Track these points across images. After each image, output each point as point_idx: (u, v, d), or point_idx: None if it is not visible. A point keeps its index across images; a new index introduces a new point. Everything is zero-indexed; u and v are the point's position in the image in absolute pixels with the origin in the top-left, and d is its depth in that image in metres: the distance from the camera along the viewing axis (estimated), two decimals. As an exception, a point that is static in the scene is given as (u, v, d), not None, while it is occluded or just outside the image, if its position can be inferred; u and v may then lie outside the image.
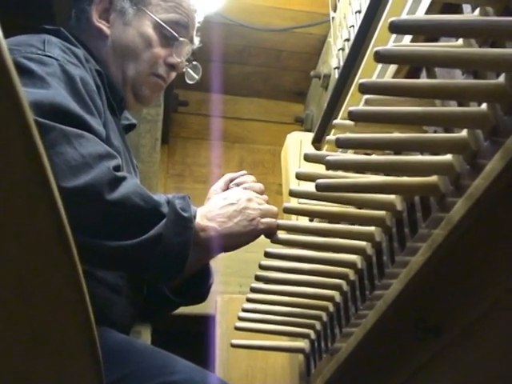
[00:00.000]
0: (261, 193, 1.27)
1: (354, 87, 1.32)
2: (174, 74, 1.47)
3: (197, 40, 1.50)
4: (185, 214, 1.09)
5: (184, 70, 1.50)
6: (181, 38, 1.42)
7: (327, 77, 2.19)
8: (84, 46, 1.36)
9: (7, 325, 0.56)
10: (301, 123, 2.78)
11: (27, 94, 1.05)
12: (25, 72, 1.11)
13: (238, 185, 1.29)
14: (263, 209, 1.18)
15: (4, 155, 0.41)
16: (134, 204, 1.06)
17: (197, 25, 1.49)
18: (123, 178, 1.07)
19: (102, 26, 1.41)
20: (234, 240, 1.16)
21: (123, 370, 1.09)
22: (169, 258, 1.07)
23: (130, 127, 1.52)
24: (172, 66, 1.44)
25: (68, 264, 0.50)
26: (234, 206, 1.17)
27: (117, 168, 1.08)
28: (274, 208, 1.20)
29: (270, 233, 1.16)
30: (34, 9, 2.31)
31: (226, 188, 1.31)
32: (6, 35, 0.42)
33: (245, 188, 1.27)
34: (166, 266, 1.08)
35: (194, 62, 1.51)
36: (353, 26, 1.55)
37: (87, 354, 0.63)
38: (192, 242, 1.09)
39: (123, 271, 1.23)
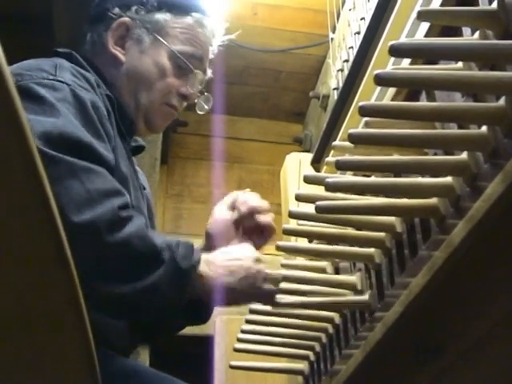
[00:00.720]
0: (266, 210, 1.28)
1: (353, 108, 1.32)
2: (185, 104, 1.48)
3: (209, 72, 1.51)
4: (183, 266, 1.08)
5: (195, 100, 1.50)
6: (195, 70, 1.43)
7: (326, 97, 2.20)
8: (97, 70, 1.35)
9: (7, 346, 0.56)
10: (299, 143, 2.78)
11: (36, 122, 1.05)
12: (35, 98, 1.11)
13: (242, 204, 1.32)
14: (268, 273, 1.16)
15: (5, 178, 0.41)
16: (133, 248, 1.05)
17: (211, 57, 1.50)
18: (128, 219, 1.06)
19: (118, 52, 1.41)
20: (234, 296, 1.15)
21: None
22: (162, 307, 1.08)
23: (138, 149, 1.52)
24: (184, 97, 1.44)
25: (68, 286, 0.50)
26: (239, 261, 1.16)
27: (124, 206, 1.07)
28: (278, 273, 1.16)
29: (271, 302, 1.15)
30: (33, 27, 2.32)
31: (233, 207, 1.33)
32: (5, 53, 0.42)
33: (251, 205, 1.29)
34: (159, 313, 1.09)
35: (206, 94, 1.52)
36: (352, 47, 1.56)
37: (86, 374, 0.63)
38: (188, 294, 1.09)
39: (116, 313, 1.21)
